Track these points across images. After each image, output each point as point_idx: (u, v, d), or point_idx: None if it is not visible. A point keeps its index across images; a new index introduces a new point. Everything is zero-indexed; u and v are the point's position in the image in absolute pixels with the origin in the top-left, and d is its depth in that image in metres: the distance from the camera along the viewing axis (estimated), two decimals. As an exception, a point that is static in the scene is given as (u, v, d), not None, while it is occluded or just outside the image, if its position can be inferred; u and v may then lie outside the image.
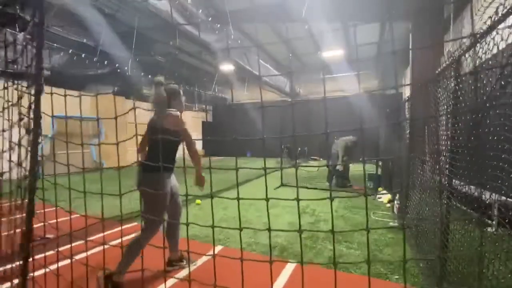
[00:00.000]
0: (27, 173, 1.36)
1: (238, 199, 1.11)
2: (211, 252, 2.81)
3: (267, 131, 14.31)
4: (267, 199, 1.09)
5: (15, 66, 1.47)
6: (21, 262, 1.33)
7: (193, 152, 2.20)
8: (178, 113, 2.17)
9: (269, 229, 1.12)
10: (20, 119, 1.41)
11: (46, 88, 1.29)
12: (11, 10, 1.66)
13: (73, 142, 1.39)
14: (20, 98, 1.48)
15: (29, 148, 1.35)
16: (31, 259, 1.41)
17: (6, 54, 1.57)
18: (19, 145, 1.43)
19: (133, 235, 3.21)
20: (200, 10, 6.87)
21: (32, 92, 1.34)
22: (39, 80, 1.32)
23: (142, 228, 2.10)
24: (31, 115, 1.33)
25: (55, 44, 8.08)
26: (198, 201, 4.86)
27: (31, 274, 1.37)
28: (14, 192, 1.46)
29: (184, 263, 2.52)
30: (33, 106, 1.32)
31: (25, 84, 1.43)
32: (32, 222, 1.33)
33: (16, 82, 1.55)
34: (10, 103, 1.50)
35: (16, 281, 1.56)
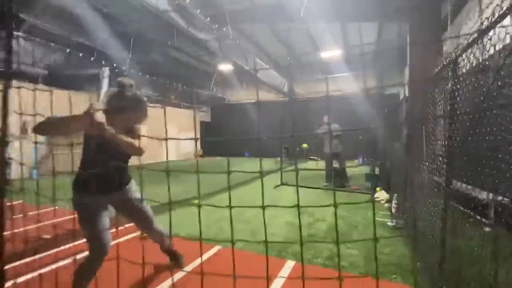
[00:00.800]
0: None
1: (230, 207, 1.09)
2: (208, 253, 2.82)
3: (265, 131, 14.36)
4: (263, 207, 1.06)
5: None
6: None
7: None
8: (141, 140, 1.74)
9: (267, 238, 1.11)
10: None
11: (46, 88, 1.27)
12: None
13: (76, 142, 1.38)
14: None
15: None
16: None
17: None
18: None
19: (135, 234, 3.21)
20: (199, 10, 6.87)
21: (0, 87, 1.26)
22: (7, 75, 1.25)
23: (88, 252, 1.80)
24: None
25: (52, 44, 8.05)
26: (196, 201, 4.86)
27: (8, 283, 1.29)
28: None
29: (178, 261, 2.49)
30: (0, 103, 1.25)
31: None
32: (3, 226, 1.25)
33: None
34: None
35: None
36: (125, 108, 1.75)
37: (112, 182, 1.83)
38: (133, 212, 2.03)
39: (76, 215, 1.69)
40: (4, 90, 1.24)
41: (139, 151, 1.72)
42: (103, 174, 1.62)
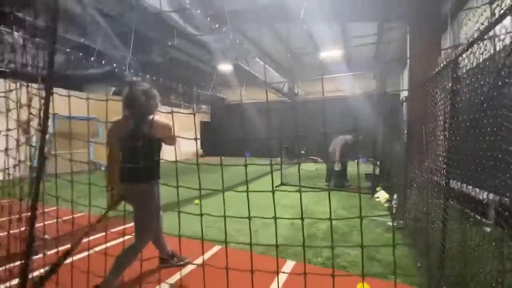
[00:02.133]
0: (33, 173, 1.37)
1: (224, 215, 1.10)
2: (209, 252, 2.82)
3: (265, 131, 14.36)
4: (272, 191, 1.08)
5: (26, 68, 1.51)
6: (22, 262, 1.34)
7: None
8: (165, 120, 2.06)
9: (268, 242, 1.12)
10: (29, 120, 1.44)
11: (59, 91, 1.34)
12: (22, 14, 1.71)
13: (79, 139, 1.39)
14: (30, 99, 1.50)
15: (36, 148, 1.36)
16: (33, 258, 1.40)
17: (15, 56, 1.61)
18: (29, 145, 1.45)
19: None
20: (199, 10, 6.87)
21: (43, 94, 1.38)
22: (49, 83, 1.35)
23: (135, 239, 2.03)
24: (41, 116, 1.37)
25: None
26: (196, 201, 4.86)
27: (31, 275, 1.36)
28: (19, 192, 1.46)
29: (176, 261, 2.51)
30: (43, 108, 1.36)
31: (35, 86, 1.45)
32: (34, 222, 1.33)
33: (26, 83, 1.57)
34: (19, 104, 1.54)
35: (14, 281, 1.56)
36: (142, 100, 2.01)
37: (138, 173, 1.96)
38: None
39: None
40: (46, 97, 1.35)
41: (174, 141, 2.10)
42: (130, 167, 1.87)
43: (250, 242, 1.08)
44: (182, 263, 2.51)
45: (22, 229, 1.40)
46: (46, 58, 1.32)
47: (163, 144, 2.14)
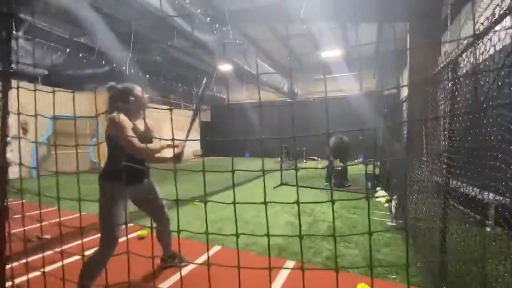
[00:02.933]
0: None
1: (234, 203, 1.10)
2: (209, 252, 2.81)
3: (265, 131, 14.34)
4: (265, 203, 1.07)
5: None
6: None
7: (139, 153, 1.85)
8: (116, 115, 1.86)
9: (268, 235, 1.12)
10: None
11: (45, 88, 1.27)
12: None
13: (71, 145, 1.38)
14: None
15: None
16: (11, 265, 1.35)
17: None
18: None
19: (134, 234, 3.21)
20: (199, 10, 6.87)
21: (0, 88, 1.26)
22: (7, 75, 1.24)
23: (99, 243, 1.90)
24: None
25: (52, 44, 8.04)
26: (195, 202, 4.85)
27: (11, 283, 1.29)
28: None
29: (176, 261, 2.51)
30: (1, 104, 1.25)
31: None
32: (4, 228, 1.26)
33: None
34: None
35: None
36: (122, 99, 1.97)
37: (138, 173, 1.98)
38: (152, 204, 2.23)
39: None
40: (4, 91, 1.24)
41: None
42: (131, 166, 1.72)
43: (267, 234, 1.08)
44: (183, 263, 2.50)
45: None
46: (3, 48, 1.23)
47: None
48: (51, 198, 1.42)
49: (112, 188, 1.85)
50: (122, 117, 1.86)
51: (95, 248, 1.88)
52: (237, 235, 1.08)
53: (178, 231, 1.15)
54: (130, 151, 1.81)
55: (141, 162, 1.92)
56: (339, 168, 6.47)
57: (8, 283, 1.36)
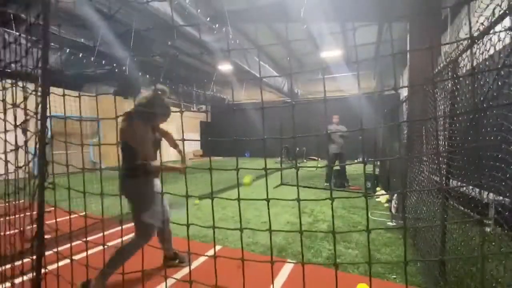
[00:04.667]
0: (34, 173, 1.36)
1: (238, 199, 1.11)
2: (209, 252, 2.82)
3: (265, 131, 14.36)
4: (267, 200, 1.08)
5: (20, 67, 1.47)
6: (33, 258, 1.34)
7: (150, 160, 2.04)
8: (133, 126, 2.00)
9: (270, 231, 1.12)
10: (26, 120, 1.42)
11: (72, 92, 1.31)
12: (14, 10, 1.65)
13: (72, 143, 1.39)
14: (25, 98, 1.47)
15: (37, 149, 1.34)
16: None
17: (8, 54, 1.55)
18: (26, 146, 1.43)
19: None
20: (199, 10, 6.87)
21: (39, 93, 1.34)
22: (46, 81, 1.32)
23: (136, 235, 2.08)
24: (38, 116, 1.33)
25: (52, 44, 8.04)
26: (196, 201, 4.85)
27: (44, 271, 1.39)
28: (21, 193, 1.46)
29: (177, 261, 2.52)
30: (40, 107, 1.32)
31: (31, 85, 1.41)
32: (43, 220, 1.34)
33: (22, 83, 1.54)
34: (15, 104, 1.50)
35: (19, 279, 1.55)
36: (161, 111, 2.08)
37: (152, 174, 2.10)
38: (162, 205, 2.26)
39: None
40: (43, 96, 1.31)
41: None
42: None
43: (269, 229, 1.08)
44: (185, 263, 2.51)
45: (29, 227, 1.40)
46: (41, 54, 1.29)
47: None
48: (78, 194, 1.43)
49: (151, 183, 2.09)
50: (141, 127, 2.01)
51: (130, 238, 2.06)
52: (241, 230, 1.09)
53: (187, 224, 1.15)
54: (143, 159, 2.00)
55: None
56: (339, 168, 6.47)
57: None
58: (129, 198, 2.07)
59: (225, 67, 10.79)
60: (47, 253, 1.47)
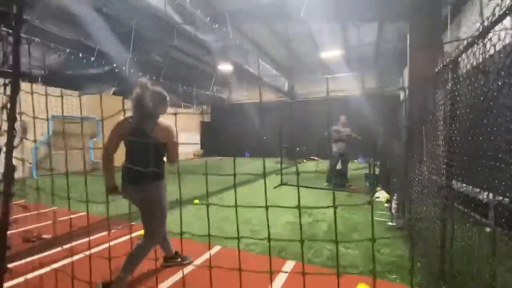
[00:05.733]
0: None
1: (236, 206, 1.10)
2: (208, 252, 2.81)
3: (265, 131, 14.37)
4: (266, 207, 1.07)
5: None
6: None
7: (175, 159, 2.11)
8: (171, 124, 2.05)
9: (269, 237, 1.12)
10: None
11: (42, 88, 1.24)
12: None
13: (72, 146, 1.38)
14: None
15: (3, 151, 1.23)
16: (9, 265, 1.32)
17: None
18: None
19: (137, 233, 3.21)
20: (199, 10, 6.87)
21: (8, 91, 1.22)
22: (15, 79, 1.22)
23: (145, 237, 2.11)
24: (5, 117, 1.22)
25: (52, 44, 8.04)
26: (196, 200, 4.85)
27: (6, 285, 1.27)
28: None
29: (179, 260, 2.52)
30: (8, 107, 1.22)
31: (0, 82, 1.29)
32: (7, 230, 1.24)
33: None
34: None
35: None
36: (152, 102, 2.02)
37: (142, 176, 1.99)
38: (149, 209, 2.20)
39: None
40: (12, 94, 1.21)
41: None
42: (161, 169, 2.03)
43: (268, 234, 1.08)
44: (185, 262, 2.52)
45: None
46: (11, 49, 1.20)
47: (166, 147, 2.12)
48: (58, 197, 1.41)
49: (159, 186, 2.08)
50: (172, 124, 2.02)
51: (140, 243, 2.08)
52: (238, 238, 1.08)
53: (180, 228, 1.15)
54: (176, 156, 2.08)
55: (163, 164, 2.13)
56: (340, 169, 6.47)
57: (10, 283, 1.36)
58: (149, 201, 2.06)
59: (225, 67, 10.79)
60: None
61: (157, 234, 2.12)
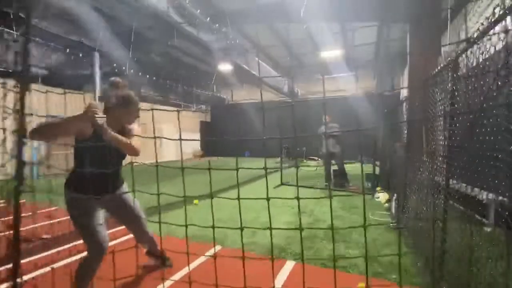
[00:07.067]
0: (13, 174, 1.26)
1: (238, 199, 1.11)
2: (208, 252, 2.82)
3: (265, 131, 14.35)
4: (268, 198, 1.08)
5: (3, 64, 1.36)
6: (11, 266, 1.26)
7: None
8: (136, 140, 1.80)
9: (270, 231, 1.12)
10: (3, 119, 1.31)
11: (42, 88, 1.25)
12: None
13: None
14: (4, 96, 1.38)
15: (14, 150, 1.22)
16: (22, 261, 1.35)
17: None
18: (3, 146, 1.34)
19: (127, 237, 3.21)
20: (199, 10, 6.87)
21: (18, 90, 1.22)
22: (25, 78, 1.22)
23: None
24: (16, 115, 1.22)
25: (52, 44, 8.04)
26: (196, 201, 4.85)
27: (22, 279, 1.29)
28: None
29: (159, 262, 2.41)
30: (18, 106, 1.22)
31: (12, 82, 1.27)
32: (19, 224, 1.25)
33: (2, 80, 1.43)
34: None
35: (4, 285, 1.54)
36: (119, 106, 1.80)
37: (105, 184, 1.77)
38: (125, 215, 2.07)
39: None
40: (21, 93, 1.21)
41: (135, 151, 1.77)
42: (97, 175, 1.60)
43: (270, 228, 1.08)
44: (164, 267, 2.41)
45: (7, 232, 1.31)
46: (20, 49, 1.20)
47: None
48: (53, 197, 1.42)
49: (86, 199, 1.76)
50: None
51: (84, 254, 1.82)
52: (241, 228, 1.09)
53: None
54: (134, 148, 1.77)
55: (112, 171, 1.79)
56: (339, 168, 6.47)
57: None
58: (125, 203, 1.99)
59: (225, 67, 10.79)
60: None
61: (93, 247, 1.79)
